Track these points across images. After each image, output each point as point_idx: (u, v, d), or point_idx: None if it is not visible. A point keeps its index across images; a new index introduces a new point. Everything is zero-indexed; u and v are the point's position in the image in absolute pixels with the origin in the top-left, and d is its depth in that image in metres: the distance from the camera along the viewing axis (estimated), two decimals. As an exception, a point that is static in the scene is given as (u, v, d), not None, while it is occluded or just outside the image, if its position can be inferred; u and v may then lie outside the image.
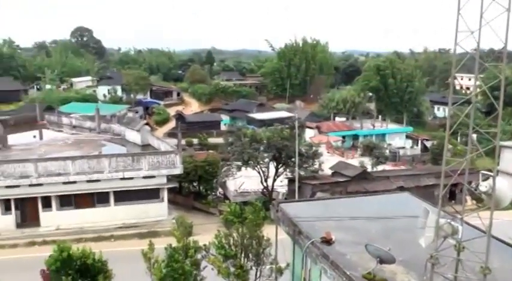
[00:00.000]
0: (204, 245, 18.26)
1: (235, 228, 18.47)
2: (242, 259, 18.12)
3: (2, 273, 25.96)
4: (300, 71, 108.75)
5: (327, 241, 12.01)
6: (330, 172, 40.18)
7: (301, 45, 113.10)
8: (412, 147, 68.60)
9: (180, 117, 75.83)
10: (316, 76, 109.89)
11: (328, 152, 54.26)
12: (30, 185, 30.78)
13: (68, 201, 31.99)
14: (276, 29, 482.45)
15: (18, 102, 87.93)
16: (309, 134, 60.14)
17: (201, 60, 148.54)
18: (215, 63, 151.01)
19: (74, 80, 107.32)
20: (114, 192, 32.26)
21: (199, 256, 17.82)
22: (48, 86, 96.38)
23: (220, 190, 43.06)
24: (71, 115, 53.81)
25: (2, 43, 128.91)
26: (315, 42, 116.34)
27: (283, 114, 74.14)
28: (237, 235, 18.20)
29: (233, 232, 18.34)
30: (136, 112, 78.65)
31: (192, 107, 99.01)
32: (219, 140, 56.46)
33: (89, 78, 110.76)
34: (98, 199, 32.40)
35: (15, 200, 31.25)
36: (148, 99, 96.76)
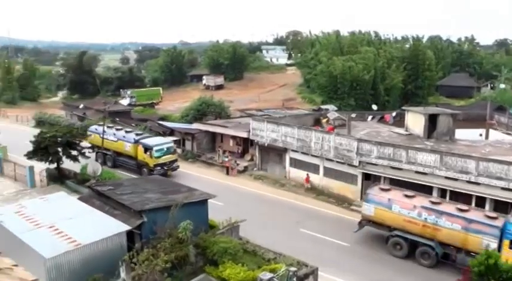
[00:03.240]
0: None
1: None
2: None
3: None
4: None
5: None
6: None
7: None
8: None
9: None
10: None
11: None
12: (468, 182, 31.14)
13: (503, 208, 30.72)
14: None
15: (470, 98, 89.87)
16: None
17: None
18: None
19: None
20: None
21: None
22: (502, 86, 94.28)
23: None
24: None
25: (463, 41, 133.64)
26: None
27: None
28: None
29: None
30: None
31: None
32: None
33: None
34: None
35: (451, 192, 32.13)
36: None
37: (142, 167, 41.62)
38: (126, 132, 44.66)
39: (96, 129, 46.26)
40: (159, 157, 41.15)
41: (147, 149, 41.28)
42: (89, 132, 47.49)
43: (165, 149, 41.89)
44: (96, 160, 41.72)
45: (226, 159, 44.43)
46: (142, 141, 42.19)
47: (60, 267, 18.65)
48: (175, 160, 42.90)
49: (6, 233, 20.69)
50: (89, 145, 44.77)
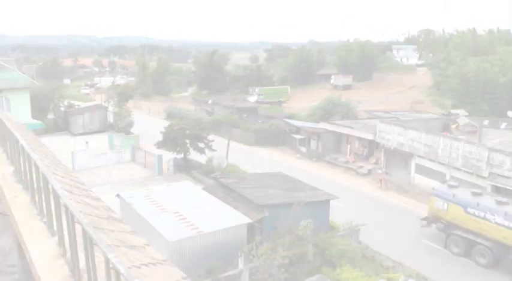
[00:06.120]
0: None
1: None
2: None
3: None
4: None
5: None
6: None
7: None
8: None
9: None
10: None
11: None
12: None
13: None
14: None
15: None
16: None
17: None
18: None
19: None
20: None
21: None
22: None
23: None
24: None
25: None
26: None
27: None
28: None
29: None
30: None
31: None
32: None
33: None
34: None
35: None
36: None
37: None
38: None
39: (454, 195, 26.95)
40: None
41: None
42: (434, 197, 28.33)
43: None
44: (447, 246, 27.07)
45: (380, 171, 41.66)
46: None
47: (181, 251, 19.72)
48: None
49: (135, 214, 22.35)
50: (425, 215, 29.18)
